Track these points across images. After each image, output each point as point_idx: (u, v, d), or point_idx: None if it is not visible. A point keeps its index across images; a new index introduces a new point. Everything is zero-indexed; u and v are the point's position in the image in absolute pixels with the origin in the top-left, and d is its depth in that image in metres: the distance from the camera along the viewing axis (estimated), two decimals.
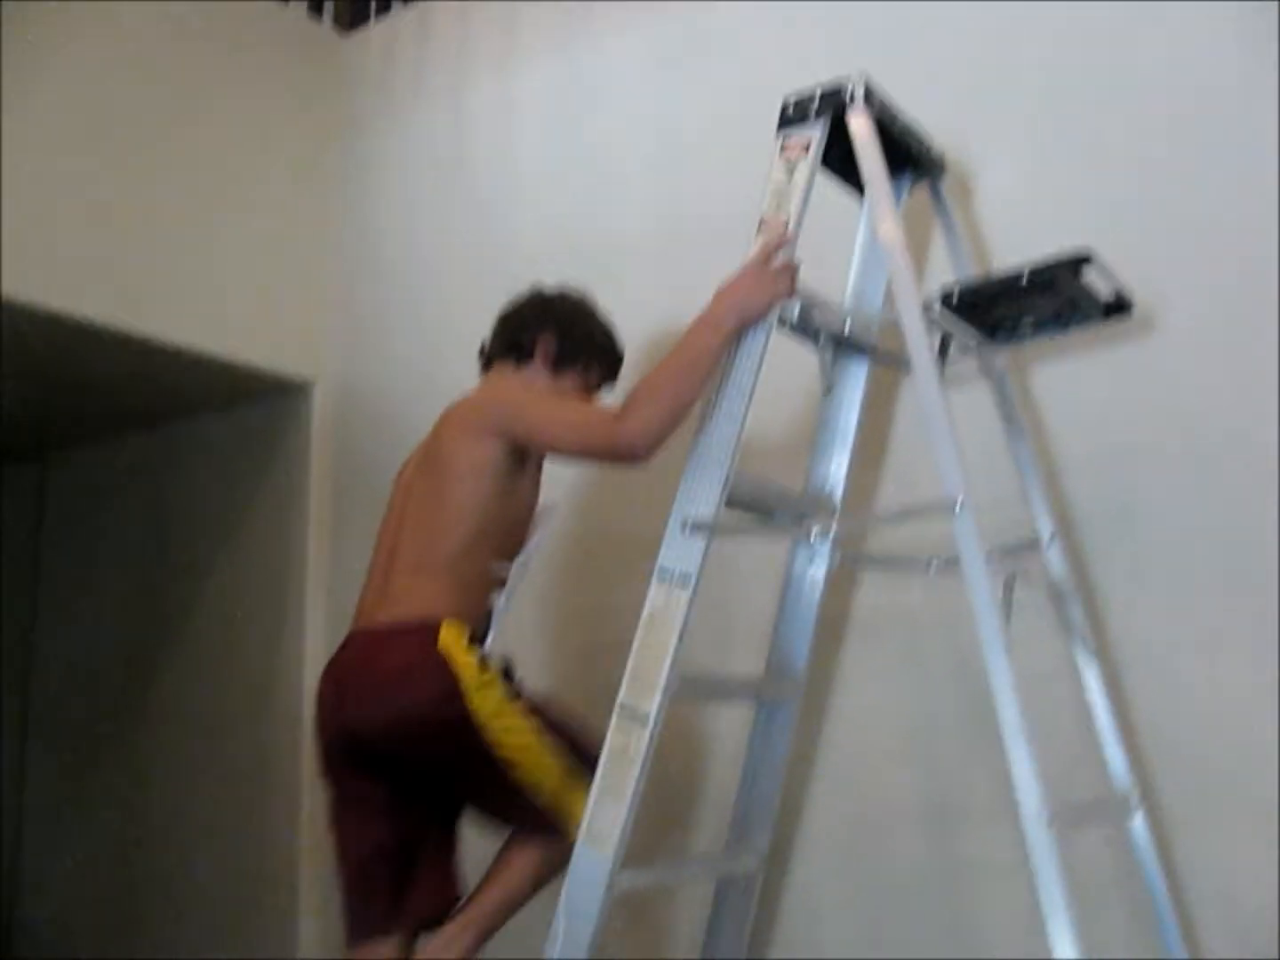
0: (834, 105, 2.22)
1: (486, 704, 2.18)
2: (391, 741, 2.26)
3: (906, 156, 2.46)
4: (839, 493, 2.54)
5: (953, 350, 2.32)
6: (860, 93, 2.22)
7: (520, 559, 2.39)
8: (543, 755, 2.22)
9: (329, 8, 4.36)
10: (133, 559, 4.73)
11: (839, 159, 2.30)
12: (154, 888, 4.36)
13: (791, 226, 2.16)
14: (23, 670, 5.11)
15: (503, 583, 2.36)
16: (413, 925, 2.33)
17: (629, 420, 2.11)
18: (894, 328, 2.15)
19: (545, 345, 2.55)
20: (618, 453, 2.16)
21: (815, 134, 2.21)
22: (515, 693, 2.25)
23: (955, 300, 2.16)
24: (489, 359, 2.63)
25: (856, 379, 2.54)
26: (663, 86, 3.30)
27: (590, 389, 2.61)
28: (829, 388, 2.45)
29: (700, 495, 2.09)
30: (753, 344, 2.14)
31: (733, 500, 2.15)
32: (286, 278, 4.00)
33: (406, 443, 3.69)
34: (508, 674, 2.28)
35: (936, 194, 2.55)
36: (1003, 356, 2.45)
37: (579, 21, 3.61)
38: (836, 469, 2.56)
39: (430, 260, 3.85)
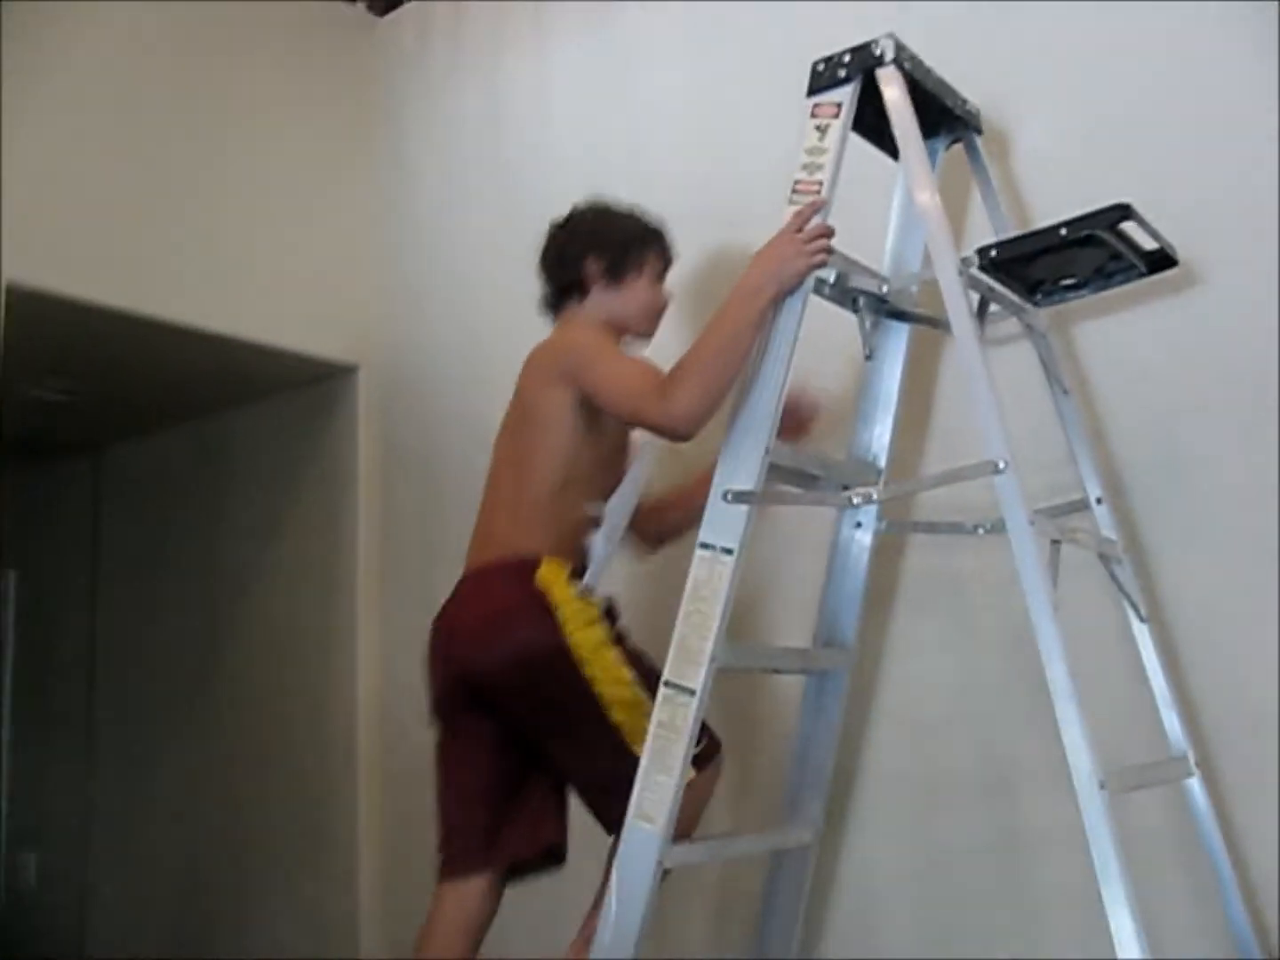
0: (864, 66, 2.20)
1: (587, 639, 2.22)
2: (496, 680, 2.29)
3: (941, 115, 2.42)
4: (883, 459, 2.52)
5: (993, 310, 2.28)
6: (891, 52, 2.19)
7: (615, 499, 2.37)
8: (638, 703, 2.18)
9: None
10: (189, 549, 4.78)
11: (872, 120, 2.27)
12: (217, 888, 4.42)
13: (825, 191, 2.13)
14: (86, 663, 5.18)
15: (597, 522, 2.36)
16: (504, 865, 2.34)
17: (674, 400, 2.10)
18: (933, 290, 2.12)
19: (592, 270, 2.52)
20: (663, 430, 2.19)
21: (846, 96, 2.19)
22: (617, 635, 2.28)
23: (993, 258, 2.11)
24: (553, 308, 2.61)
25: (897, 343, 2.52)
26: (696, 60, 3.28)
27: (657, 278, 2.57)
28: (870, 353, 2.41)
29: (741, 465, 2.08)
30: (790, 311, 2.12)
31: (774, 470, 2.14)
32: (327, 262, 4.02)
33: (450, 425, 3.74)
34: (610, 615, 2.33)
35: (973, 152, 2.52)
36: (1044, 315, 2.41)
37: None
38: (880, 435, 2.54)
39: (469, 241, 3.84)
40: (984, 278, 2.16)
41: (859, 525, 2.51)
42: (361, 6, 4.33)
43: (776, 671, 2.59)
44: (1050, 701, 1.81)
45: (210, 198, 3.71)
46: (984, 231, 2.51)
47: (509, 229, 3.68)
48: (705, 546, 2.06)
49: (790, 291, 2.12)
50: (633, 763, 2.06)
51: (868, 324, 2.35)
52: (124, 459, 5.20)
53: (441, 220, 3.95)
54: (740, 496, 2.05)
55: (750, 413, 2.10)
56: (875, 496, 2.35)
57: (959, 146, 2.54)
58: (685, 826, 2.14)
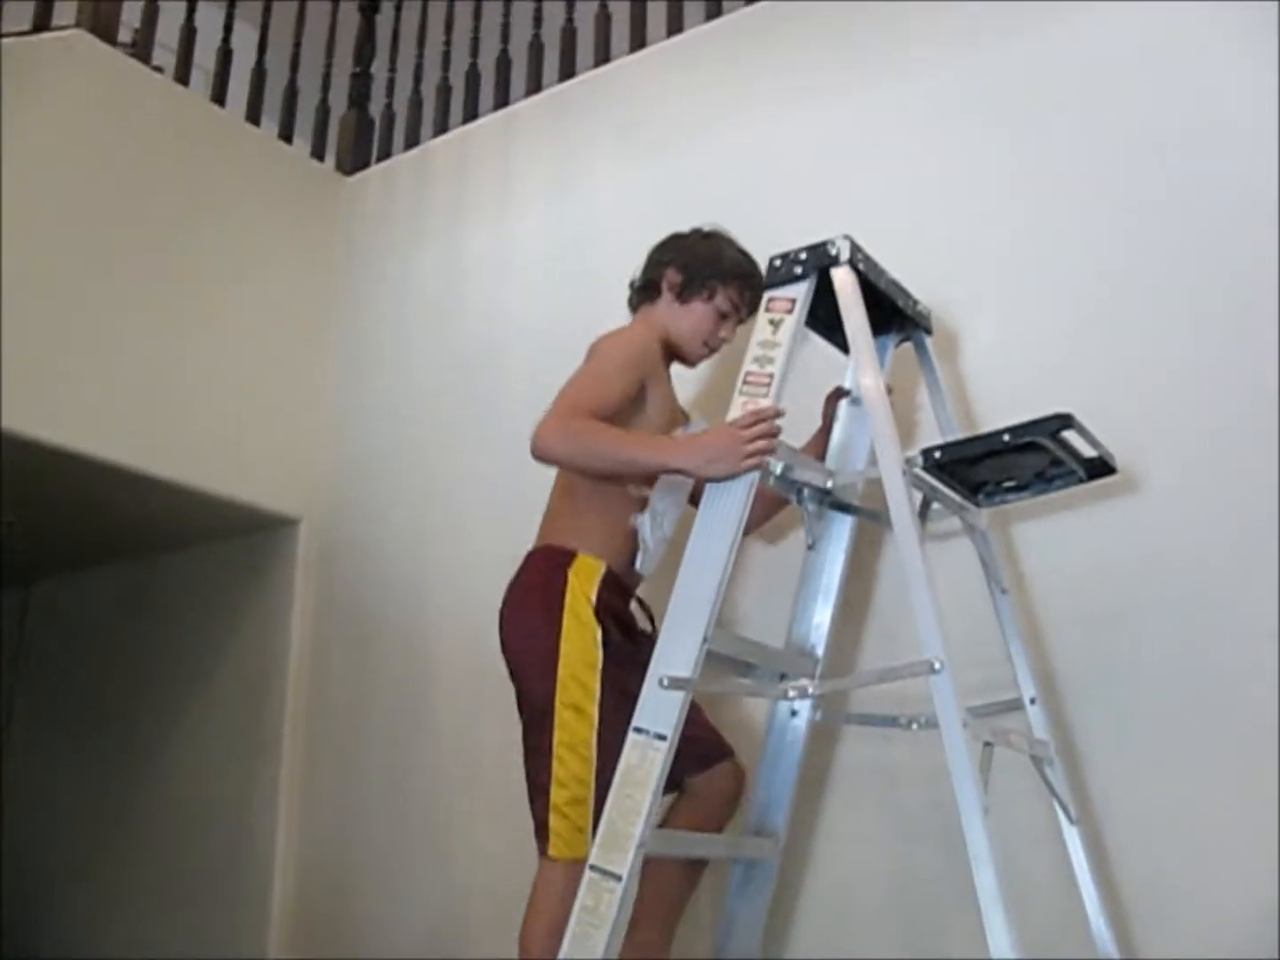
0: (820, 263, 2.25)
1: (574, 648, 2.27)
2: (505, 653, 2.39)
3: (892, 314, 2.48)
4: (821, 649, 2.51)
5: (936, 508, 2.31)
6: (846, 252, 2.24)
7: (660, 484, 2.42)
8: (580, 751, 2.23)
9: (332, 149, 4.45)
10: (112, 693, 4.67)
11: (825, 316, 2.32)
12: None
13: (776, 384, 2.16)
14: None
15: (643, 503, 2.42)
16: None
17: (544, 424, 2.25)
18: (878, 486, 2.14)
19: (669, 279, 2.62)
20: (532, 439, 2.25)
21: (801, 292, 2.24)
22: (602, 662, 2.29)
23: (938, 460, 2.15)
24: (632, 305, 2.72)
25: (840, 535, 2.54)
26: (657, 231, 3.33)
27: (725, 315, 2.60)
28: (812, 542, 2.43)
29: (679, 652, 2.06)
30: (734, 496, 2.13)
31: (712, 657, 2.13)
32: (278, 414, 4.02)
33: (389, 581, 3.72)
34: (629, 630, 2.39)
35: (922, 352, 2.57)
36: (986, 515, 2.45)
37: (574, 164, 3.69)
38: (819, 625, 2.54)
39: (420, 403, 3.86)
40: (928, 478, 2.20)
41: (794, 714, 2.49)
42: (330, 165, 4.42)
43: (705, 858, 2.55)
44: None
45: (163, 341, 3.70)
46: (931, 429, 2.56)
47: (459, 393, 3.72)
48: (639, 731, 2.04)
49: (708, 479, 2.16)
50: (548, 784, 2.19)
51: (811, 514, 2.37)
52: (54, 594, 5.11)
53: (393, 379, 3.97)
54: (676, 683, 2.03)
55: (690, 599, 2.08)
56: (811, 691, 2.34)
57: (909, 345, 2.59)
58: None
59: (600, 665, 2.28)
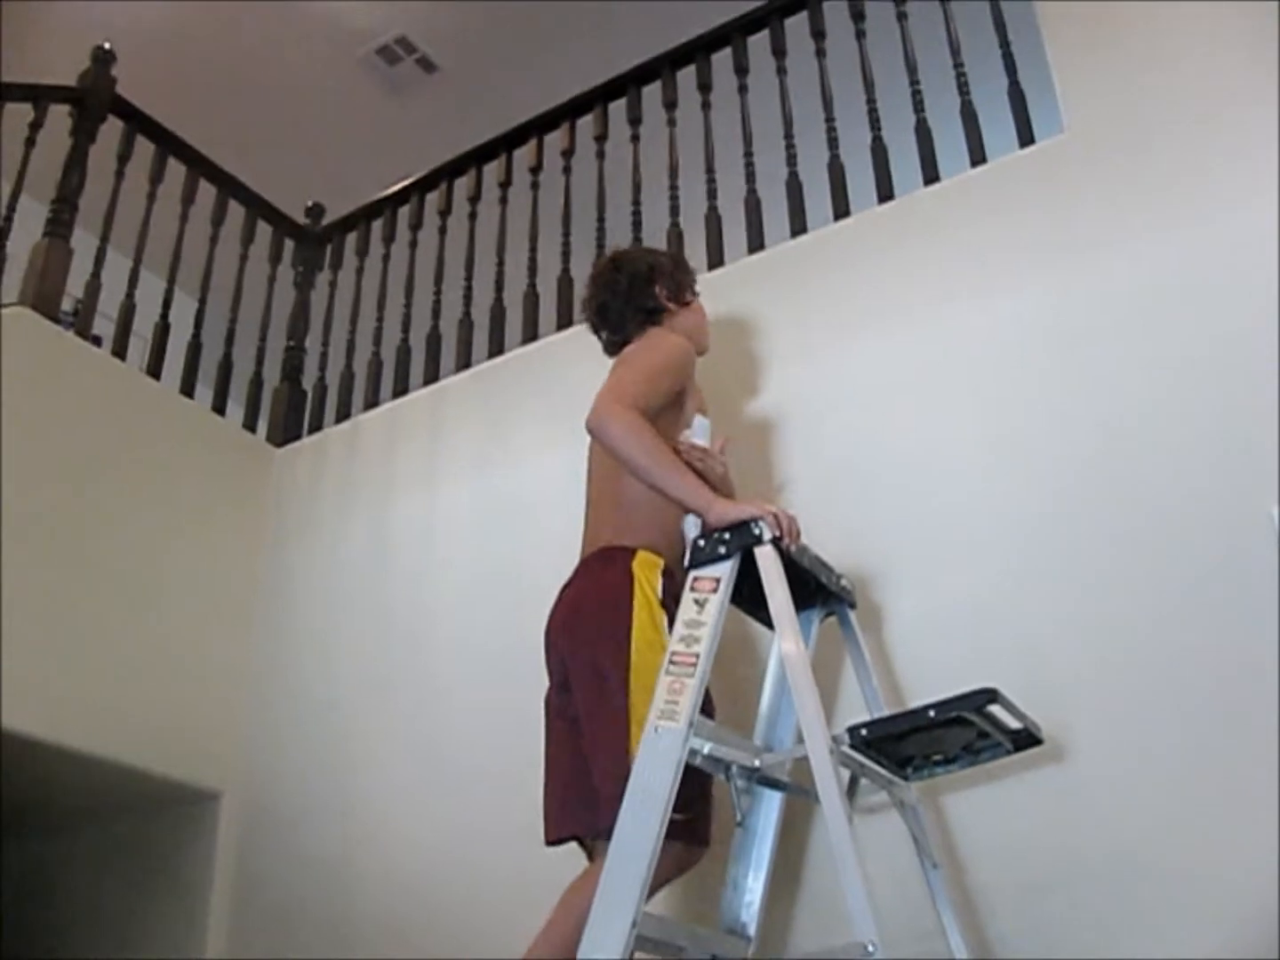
0: (744, 543, 2.30)
1: (646, 646, 2.33)
2: (572, 640, 2.47)
3: (816, 590, 2.52)
4: (753, 928, 2.46)
5: (865, 783, 2.31)
6: (769, 532, 2.29)
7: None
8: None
9: (264, 422, 4.51)
10: None
11: (750, 593, 2.35)
12: None
13: (702, 664, 2.17)
14: None
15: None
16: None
17: (609, 408, 2.45)
18: (807, 761, 2.14)
19: (661, 293, 2.83)
20: (591, 417, 2.46)
21: (725, 571, 2.27)
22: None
23: (864, 737, 2.16)
24: (623, 344, 2.80)
25: (770, 810, 2.52)
26: (577, 501, 3.38)
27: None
28: (741, 819, 2.41)
29: (608, 936, 2.00)
30: (662, 776, 2.11)
31: (642, 940, 2.08)
32: (201, 685, 3.95)
33: (309, 856, 3.61)
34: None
35: (846, 626, 2.60)
36: (915, 789, 2.45)
37: (501, 438, 3.77)
38: (750, 903, 2.49)
39: (347, 673, 3.83)
40: (855, 755, 2.20)
41: None
42: (262, 436, 4.47)
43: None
44: None
45: (85, 612, 3.67)
46: (857, 702, 2.58)
47: (388, 664, 3.70)
48: None
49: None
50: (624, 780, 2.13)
51: (740, 790, 2.35)
52: None
53: (322, 650, 3.94)
54: None
55: (619, 882, 2.04)
56: None
57: (834, 620, 2.62)
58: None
59: (670, 651, 2.30)
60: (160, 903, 3.98)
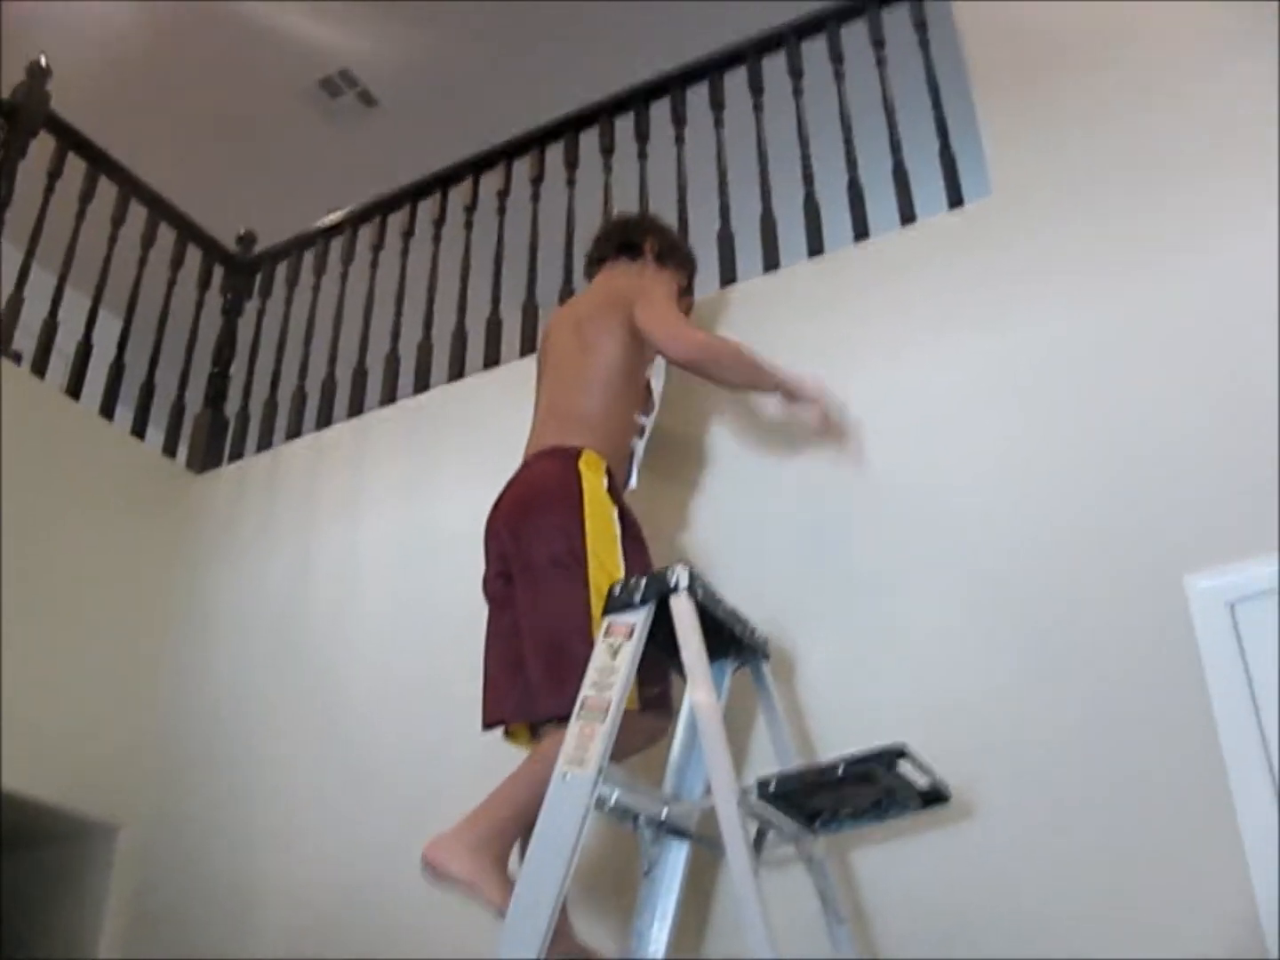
0: (659, 591, 2.29)
1: (601, 527, 2.49)
2: (514, 521, 2.59)
3: (730, 640, 2.52)
4: None
5: (772, 836, 2.31)
6: (685, 580, 2.29)
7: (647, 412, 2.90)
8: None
9: (184, 448, 4.46)
10: None
11: (664, 640, 2.34)
12: None
13: (613, 710, 2.17)
14: None
15: (641, 430, 2.85)
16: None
17: (674, 334, 2.81)
18: (714, 814, 2.14)
19: (652, 244, 3.14)
20: (668, 345, 2.81)
21: (640, 619, 2.27)
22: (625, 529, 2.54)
23: (772, 790, 2.16)
24: (600, 259, 3.17)
25: (677, 861, 2.50)
26: None
27: (678, 289, 3.14)
28: (648, 868, 2.40)
29: None
30: (569, 827, 2.10)
31: None
32: (103, 715, 3.85)
33: (209, 891, 3.54)
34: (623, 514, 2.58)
35: (759, 677, 2.61)
36: (822, 843, 2.44)
37: (423, 474, 3.76)
38: (655, 951, 2.47)
39: (255, 712, 3.75)
40: (763, 807, 2.20)
41: None
42: (181, 462, 4.42)
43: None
44: None
45: None
46: (768, 753, 2.58)
47: (301, 699, 3.65)
48: None
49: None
50: (582, 654, 2.26)
51: (648, 840, 2.34)
52: None
53: (234, 683, 3.86)
54: None
55: (522, 927, 2.02)
56: None
57: (747, 671, 2.63)
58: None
59: (619, 538, 2.50)
60: (51, 940, 3.87)
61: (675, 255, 3.20)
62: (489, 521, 2.70)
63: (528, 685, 2.44)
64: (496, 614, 2.65)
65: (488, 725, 2.59)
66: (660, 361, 2.94)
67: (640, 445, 2.86)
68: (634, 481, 2.86)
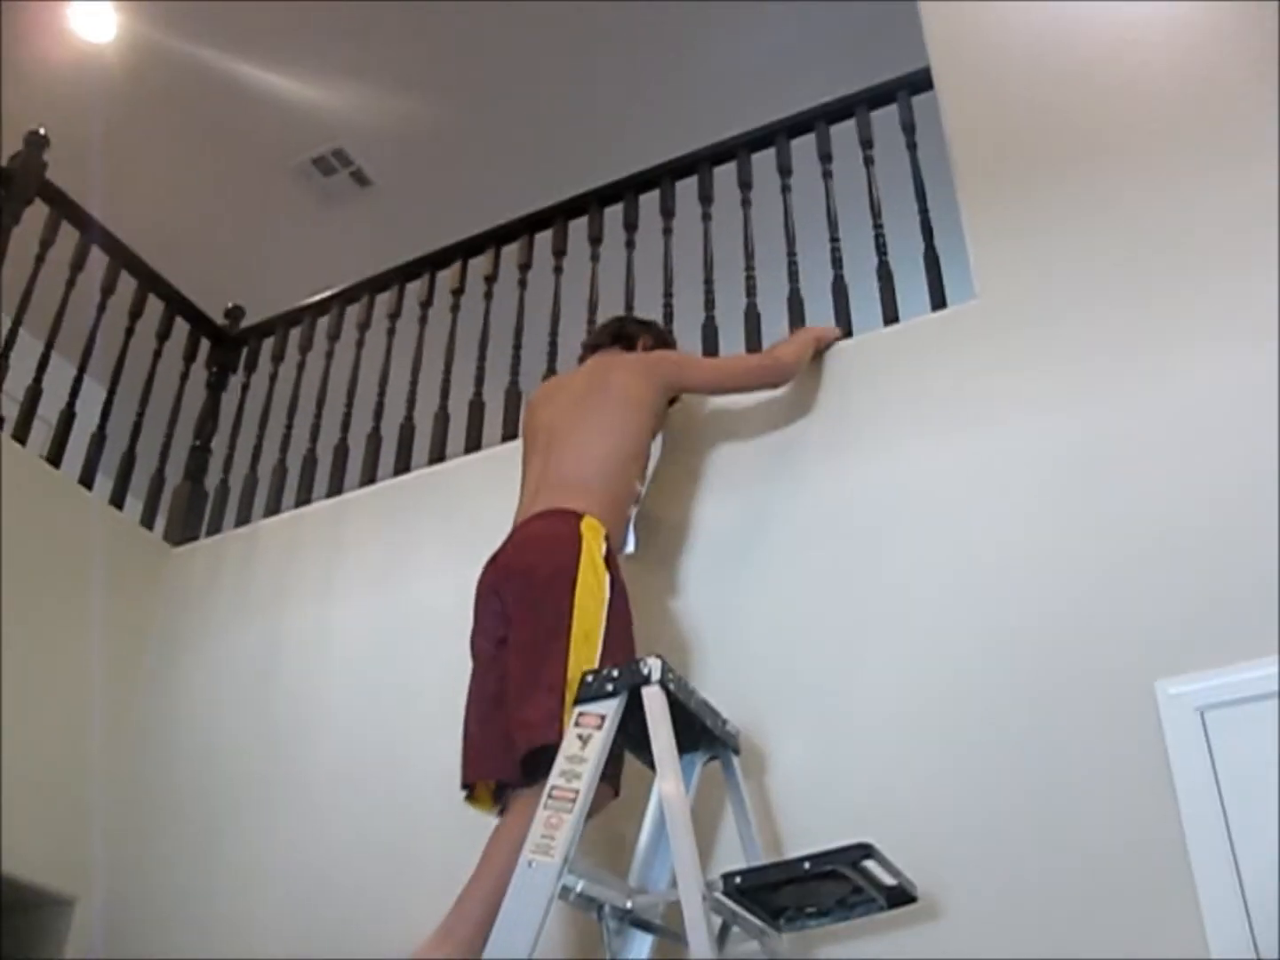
0: (631, 682, 2.29)
1: (590, 589, 2.56)
2: (514, 584, 2.66)
3: (701, 733, 2.52)
4: None
5: (736, 931, 2.29)
6: (657, 672, 2.29)
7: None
8: (589, 659, 2.45)
9: (162, 520, 4.46)
10: None
11: (634, 731, 2.34)
12: None
13: (581, 800, 2.16)
14: None
15: (638, 498, 3.01)
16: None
17: (767, 367, 3.26)
18: (679, 905, 2.13)
19: (645, 340, 3.35)
20: (767, 378, 3.27)
21: (611, 709, 2.27)
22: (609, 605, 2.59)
23: (738, 885, 2.15)
24: (595, 346, 3.36)
25: (640, 952, 2.47)
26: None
27: None
28: (611, 959, 2.38)
29: None
30: (532, 914, 2.08)
31: None
32: (64, 787, 3.80)
33: None
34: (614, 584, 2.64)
35: (729, 771, 2.60)
36: (787, 940, 2.43)
37: (399, 557, 3.76)
38: None
39: (221, 787, 3.71)
40: (728, 902, 2.19)
41: None
42: (158, 534, 4.41)
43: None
44: None
45: None
46: (735, 847, 2.56)
47: (268, 775, 3.61)
48: None
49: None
50: (551, 708, 2.37)
51: (611, 931, 2.32)
52: None
53: (200, 757, 3.81)
54: None
55: None
56: None
57: (718, 764, 2.62)
58: None
59: (607, 603, 2.57)
60: None
61: (663, 339, 3.44)
62: (483, 579, 2.77)
63: (506, 738, 2.48)
64: (481, 675, 2.70)
65: (465, 784, 2.62)
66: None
67: (635, 510, 3.01)
68: (631, 546, 3.01)
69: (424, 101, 5.87)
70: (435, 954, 2.29)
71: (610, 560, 2.67)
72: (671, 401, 3.31)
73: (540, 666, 2.48)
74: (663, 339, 3.42)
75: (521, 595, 2.63)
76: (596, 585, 2.58)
